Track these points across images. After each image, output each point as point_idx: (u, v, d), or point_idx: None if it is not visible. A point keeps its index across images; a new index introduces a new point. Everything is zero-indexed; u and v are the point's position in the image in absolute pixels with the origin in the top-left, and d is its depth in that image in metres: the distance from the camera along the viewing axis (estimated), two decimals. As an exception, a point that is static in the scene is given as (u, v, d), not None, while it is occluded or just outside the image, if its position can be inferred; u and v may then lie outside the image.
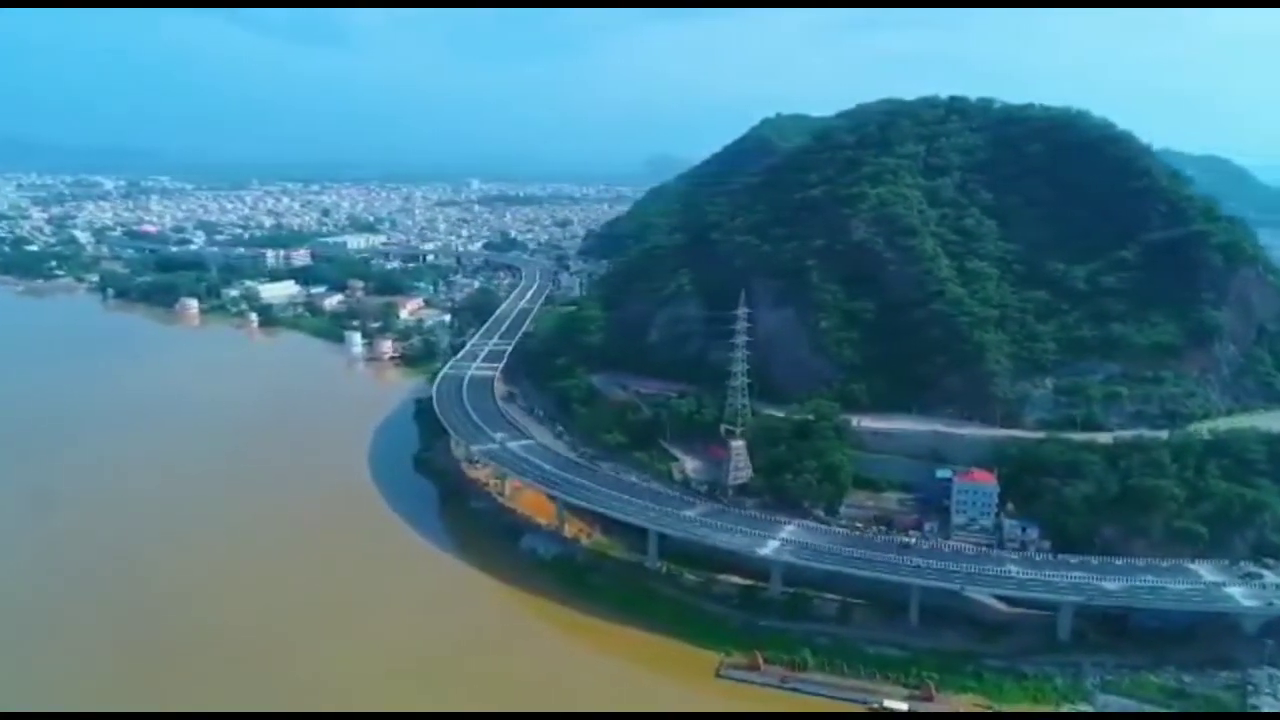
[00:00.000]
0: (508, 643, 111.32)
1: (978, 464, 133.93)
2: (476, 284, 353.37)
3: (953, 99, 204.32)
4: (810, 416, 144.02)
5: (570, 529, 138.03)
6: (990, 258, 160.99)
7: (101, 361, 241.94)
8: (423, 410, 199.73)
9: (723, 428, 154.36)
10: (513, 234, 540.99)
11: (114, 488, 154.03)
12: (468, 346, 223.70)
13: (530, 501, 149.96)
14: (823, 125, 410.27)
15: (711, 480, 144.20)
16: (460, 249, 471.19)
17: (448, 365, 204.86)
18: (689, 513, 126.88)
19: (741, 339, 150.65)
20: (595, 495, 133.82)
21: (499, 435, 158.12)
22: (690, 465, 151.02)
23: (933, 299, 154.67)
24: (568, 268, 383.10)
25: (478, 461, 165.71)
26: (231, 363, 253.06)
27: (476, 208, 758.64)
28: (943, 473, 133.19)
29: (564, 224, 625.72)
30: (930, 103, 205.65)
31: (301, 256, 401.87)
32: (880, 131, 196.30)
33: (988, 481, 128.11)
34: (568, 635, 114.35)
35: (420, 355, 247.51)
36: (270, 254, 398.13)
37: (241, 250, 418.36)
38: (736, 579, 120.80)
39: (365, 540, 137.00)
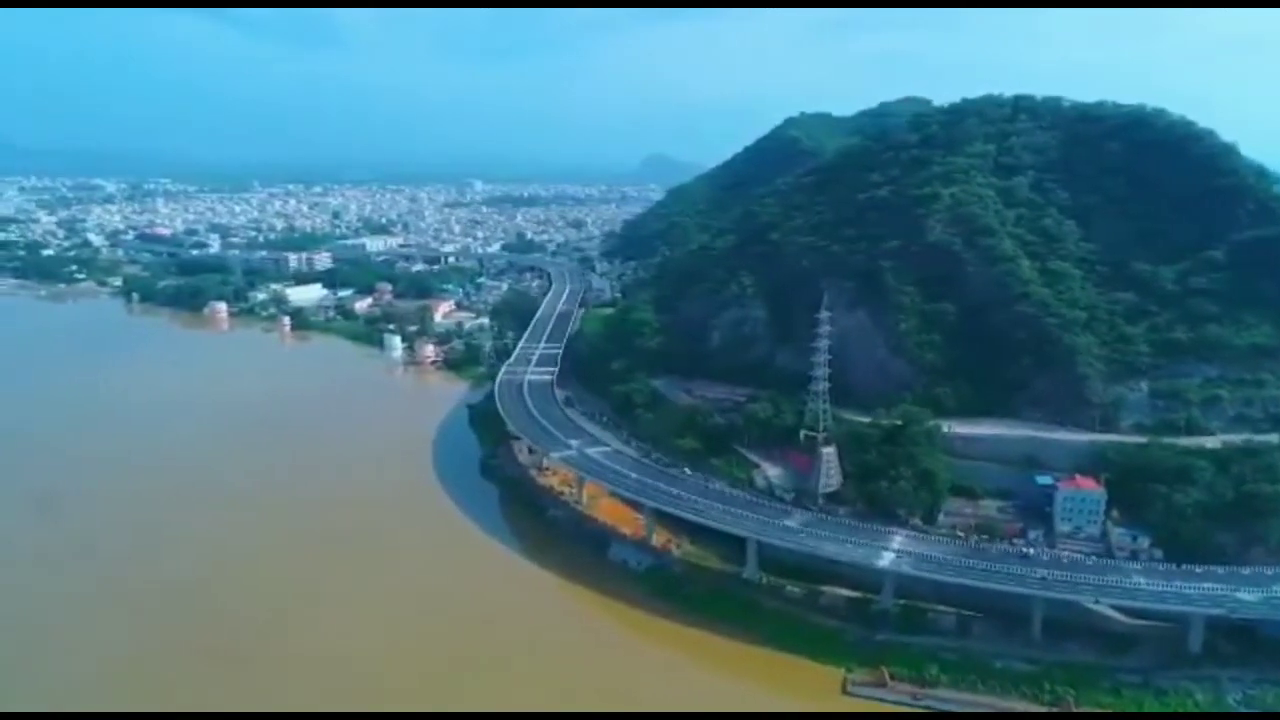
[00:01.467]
0: (616, 659, 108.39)
1: (1076, 470, 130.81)
2: (504, 286, 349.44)
3: (1018, 97, 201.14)
4: (898, 421, 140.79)
5: (658, 538, 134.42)
6: (1072, 258, 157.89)
7: (149, 365, 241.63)
8: (478, 415, 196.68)
9: (803, 433, 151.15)
10: (528, 235, 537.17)
11: (210, 484, 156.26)
12: (517, 351, 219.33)
13: (608, 509, 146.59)
14: (851, 124, 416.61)
15: (797, 487, 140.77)
16: (478, 251, 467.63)
17: (502, 370, 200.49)
18: (790, 522, 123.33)
19: (823, 343, 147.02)
20: (688, 503, 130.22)
21: (574, 442, 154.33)
22: (771, 472, 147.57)
23: (1017, 300, 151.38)
24: (594, 269, 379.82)
25: (547, 468, 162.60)
26: (274, 367, 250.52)
27: (484, 209, 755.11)
28: (1043, 479, 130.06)
29: (577, 225, 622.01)
30: (995, 101, 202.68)
31: (323, 259, 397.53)
32: (944, 131, 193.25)
33: (1094, 488, 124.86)
34: (674, 650, 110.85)
35: (463, 360, 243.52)
36: (292, 257, 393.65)
37: (263, 253, 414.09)
38: (841, 590, 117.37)
39: (450, 551, 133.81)
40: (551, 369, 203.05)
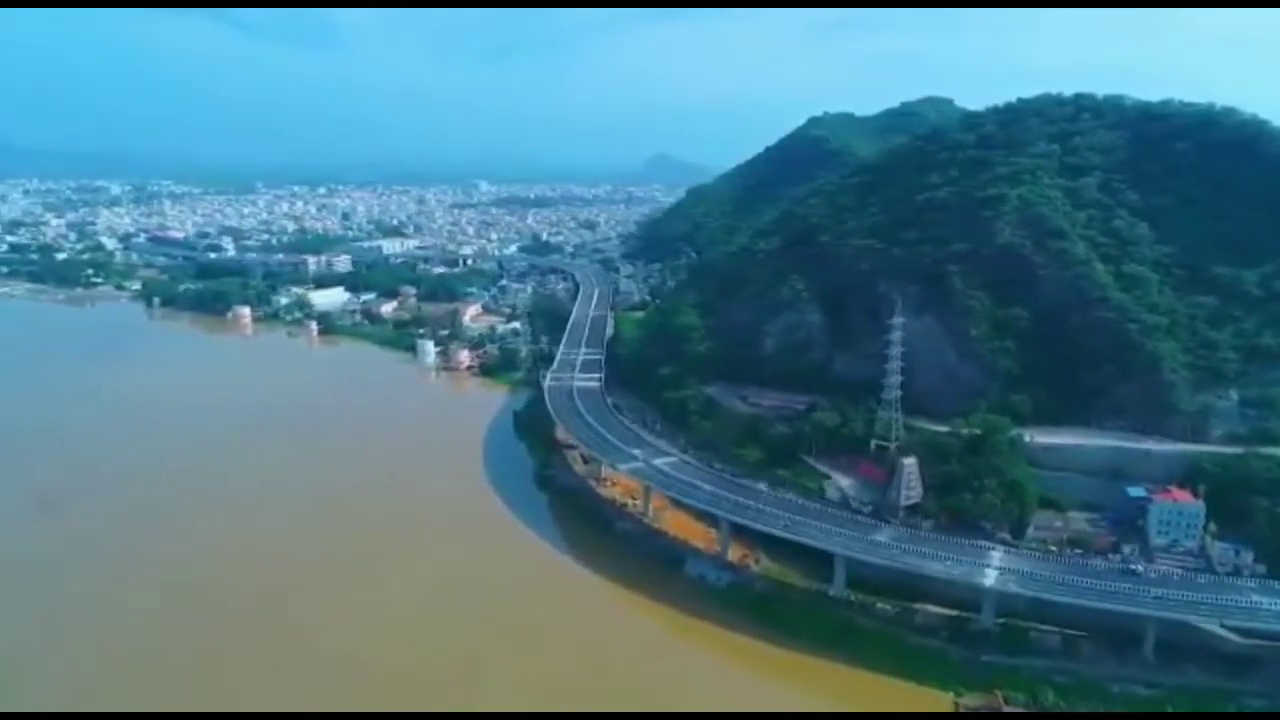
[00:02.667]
0: (710, 682, 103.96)
1: (1167, 481, 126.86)
2: (528, 289, 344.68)
3: (1078, 96, 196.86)
4: (977, 430, 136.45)
5: (733, 553, 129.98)
6: (1147, 261, 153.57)
7: (185, 370, 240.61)
8: (525, 423, 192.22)
9: (873, 443, 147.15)
10: (544, 237, 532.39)
11: (276, 498, 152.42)
12: (559, 356, 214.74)
13: (676, 522, 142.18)
14: (874, 124, 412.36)
15: (874, 500, 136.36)
16: (495, 253, 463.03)
17: (547, 377, 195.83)
18: (880, 537, 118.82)
19: (896, 349, 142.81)
20: (768, 517, 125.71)
21: (636, 451, 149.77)
22: (844, 483, 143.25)
23: (1094, 305, 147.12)
24: (618, 271, 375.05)
25: (606, 478, 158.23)
26: (308, 373, 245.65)
27: (494, 210, 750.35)
28: (1136, 491, 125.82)
29: (590, 226, 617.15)
30: (1054, 100, 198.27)
31: (342, 262, 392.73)
32: (1003, 130, 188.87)
33: (1190, 501, 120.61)
34: (769, 673, 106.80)
35: (499, 365, 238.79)
36: (311, 260, 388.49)
37: (280, 256, 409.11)
38: (934, 608, 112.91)
39: (519, 569, 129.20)
40: (597, 375, 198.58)
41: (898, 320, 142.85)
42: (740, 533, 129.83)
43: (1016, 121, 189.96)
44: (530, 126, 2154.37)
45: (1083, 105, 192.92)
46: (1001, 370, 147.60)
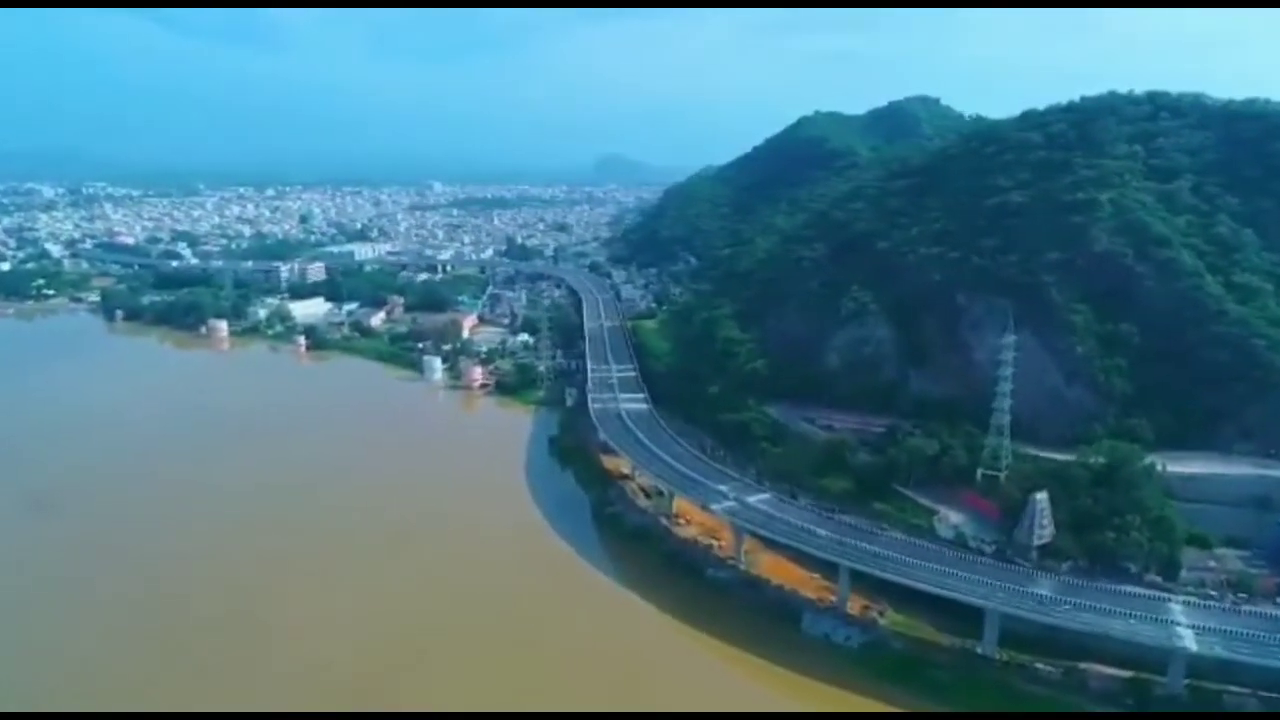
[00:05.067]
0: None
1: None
2: (523, 297, 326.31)
3: (1151, 94, 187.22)
4: (1103, 459, 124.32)
5: (853, 604, 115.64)
6: (1257, 270, 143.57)
7: (176, 392, 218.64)
8: (565, 450, 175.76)
9: (980, 472, 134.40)
10: (519, 240, 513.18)
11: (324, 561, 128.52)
12: (590, 374, 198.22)
13: (773, 566, 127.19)
14: (864, 123, 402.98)
15: (996, 539, 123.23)
16: (473, 257, 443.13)
17: (590, 399, 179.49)
18: (1040, 590, 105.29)
19: (1008, 369, 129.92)
20: (902, 566, 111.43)
21: (723, 488, 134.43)
22: (954, 519, 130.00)
23: (1212, 319, 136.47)
24: (609, 276, 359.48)
25: (678, 515, 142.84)
26: (308, 395, 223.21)
27: (455, 212, 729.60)
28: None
29: (562, 227, 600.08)
30: (1129, 99, 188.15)
31: (316, 270, 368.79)
32: (1075, 130, 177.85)
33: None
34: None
35: (517, 383, 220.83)
36: (284, 267, 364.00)
37: (250, 264, 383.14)
38: (1106, 669, 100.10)
39: (610, 626, 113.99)
40: (641, 396, 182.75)
41: (1009, 339, 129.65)
42: (857, 581, 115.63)
43: (1091, 120, 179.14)
44: (479, 127, 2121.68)
45: (1160, 104, 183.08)
46: (1116, 391, 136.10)
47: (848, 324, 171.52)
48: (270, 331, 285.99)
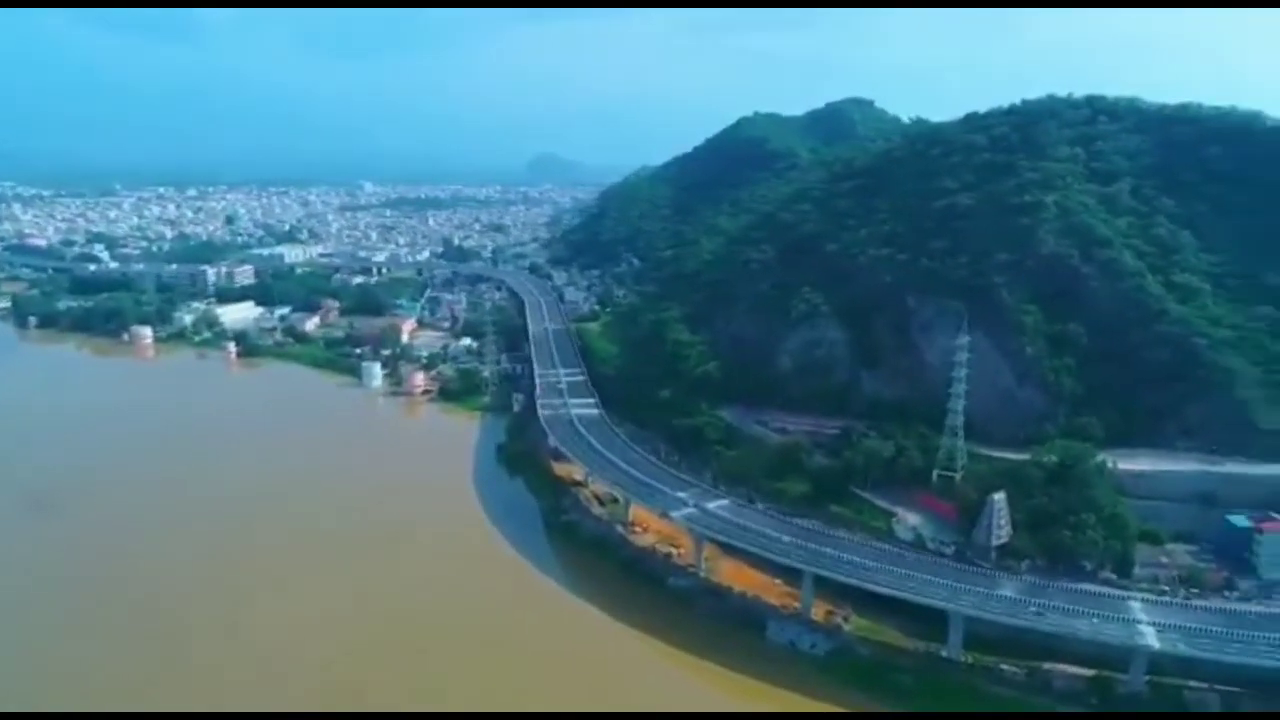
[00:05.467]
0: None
1: (1261, 506, 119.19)
2: (463, 300, 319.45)
3: (1090, 98, 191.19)
4: (1055, 458, 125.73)
5: (817, 611, 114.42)
6: (1196, 271, 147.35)
7: (108, 405, 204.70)
8: (514, 458, 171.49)
9: (935, 473, 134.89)
10: (455, 241, 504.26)
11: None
12: (539, 379, 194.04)
13: (732, 573, 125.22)
14: (801, 124, 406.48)
15: (955, 540, 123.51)
16: (409, 259, 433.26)
17: (539, 404, 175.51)
18: (1004, 591, 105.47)
19: (962, 371, 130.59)
20: (866, 571, 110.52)
21: (683, 495, 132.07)
22: (912, 520, 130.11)
23: (1155, 319, 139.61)
24: (550, 278, 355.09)
25: (633, 523, 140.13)
26: (240, 403, 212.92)
27: (388, 212, 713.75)
28: (1240, 520, 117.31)
29: (499, 228, 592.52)
30: (1068, 102, 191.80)
31: (245, 273, 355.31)
32: (1018, 133, 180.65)
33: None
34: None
35: (461, 389, 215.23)
36: (211, 271, 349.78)
37: (174, 267, 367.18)
38: (1071, 669, 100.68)
39: (575, 639, 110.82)
40: (592, 400, 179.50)
41: (963, 340, 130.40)
42: (820, 586, 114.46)
43: (1033, 124, 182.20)
44: (412, 126, 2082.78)
45: (1098, 107, 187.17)
46: (1065, 391, 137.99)
47: (799, 326, 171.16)
48: (197, 338, 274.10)
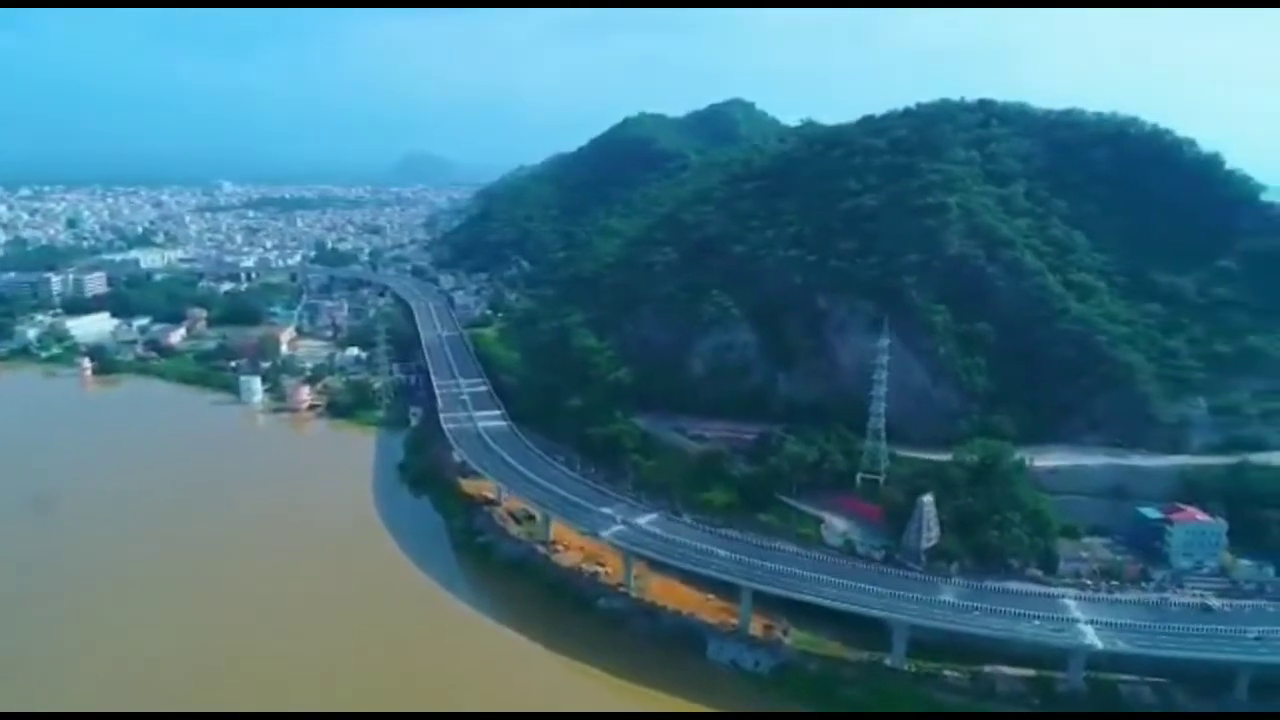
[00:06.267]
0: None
1: (1167, 497, 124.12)
2: (345, 307, 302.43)
3: (982, 102, 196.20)
4: (975, 457, 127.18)
5: (754, 625, 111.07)
6: (1091, 270, 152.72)
7: None
8: (418, 476, 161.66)
9: (859, 476, 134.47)
10: (328, 244, 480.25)
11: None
12: (439, 390, 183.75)
13: (664, 590, 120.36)
14: (685, 125, 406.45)
15: (885, 544, 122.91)
16: (280, 264, 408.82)
17: (444, 419, 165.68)
18: (945, 596, 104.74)
19: (883, 374, 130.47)
20: (803, 583, 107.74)
21: (606, 510, 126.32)
22: (840, 525, 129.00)
23: (1057, 317, 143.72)
24: (436, 282, 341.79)
25: (554, 541, 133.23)
26: (100, 430, 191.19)
27: (251, 214, 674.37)
28: (1151, 512, 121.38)
29: (375, 230, 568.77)
30: (961, 106, 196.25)
31: (97, 280, 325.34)
32: (916, 135, 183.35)
33: (1209, 520, 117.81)
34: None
35: (351, 403, 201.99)
36: (55, 278, 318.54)
37: (10, 274, 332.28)
38: (1010, 670, 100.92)
39: (502, 671, 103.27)
40: (498, 412, 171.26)
41: (883, 342, 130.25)
42: (757, 599, 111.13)
43: (929, 126, 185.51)
44: (272, 122, 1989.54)
45: (990, 111, 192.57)
46: (978, 389, 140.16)
47: (710, 329, 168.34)
48: (45, 354, 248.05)
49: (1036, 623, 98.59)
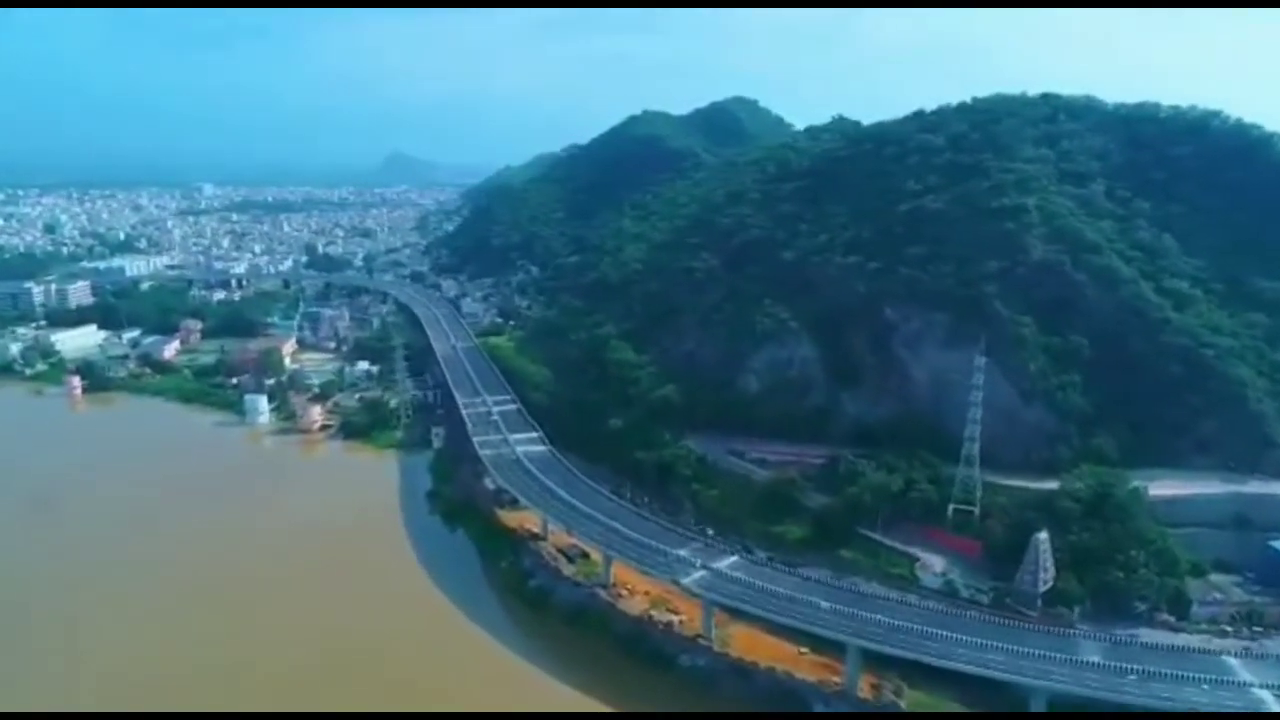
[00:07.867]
0: None
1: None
2: (346, 316, 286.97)
3: (1046, 95, 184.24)
4: (1084, 484, 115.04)
5: (862, 684, 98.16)
6: (1184, 276, 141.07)
7: None
8: (450, 507, 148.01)
9: (951, 508, 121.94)
10: (320, 248, 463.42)
11: None
12: (465, 410, 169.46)
13: (748, 643, 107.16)
14: (690, 123, 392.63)
15: (993, 586, 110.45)
16: (271, 270, 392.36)
17: (478, 444, 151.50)
18: (1091, 656, 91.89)
19: (978, 395, 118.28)
20: (925, 643, 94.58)
21: (682, 552, 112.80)
22: (936, 564, 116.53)
23: (1156, 328, 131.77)
24: (438, 288, 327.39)
25: (614, 585, 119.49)
26: (96, 455, 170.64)
27: (235, 217, 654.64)
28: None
29: (366, 233, 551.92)
30: (1024, 100, 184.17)
31: (81, 290, 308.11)
32: (979, 131, 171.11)
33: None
34: None
35: (368, 423, 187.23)
36: (36, 288, 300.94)
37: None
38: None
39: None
40: (534, 434, 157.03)
41: (980, 361, 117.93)
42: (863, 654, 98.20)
43: (994, 122, 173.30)
44: (251, 122, 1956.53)
45: (1055, 105, 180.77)
46: (1074, 409, 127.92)
47: (764, 343, 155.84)
48: (30, 371, 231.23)
49: (1205, 687, 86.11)
